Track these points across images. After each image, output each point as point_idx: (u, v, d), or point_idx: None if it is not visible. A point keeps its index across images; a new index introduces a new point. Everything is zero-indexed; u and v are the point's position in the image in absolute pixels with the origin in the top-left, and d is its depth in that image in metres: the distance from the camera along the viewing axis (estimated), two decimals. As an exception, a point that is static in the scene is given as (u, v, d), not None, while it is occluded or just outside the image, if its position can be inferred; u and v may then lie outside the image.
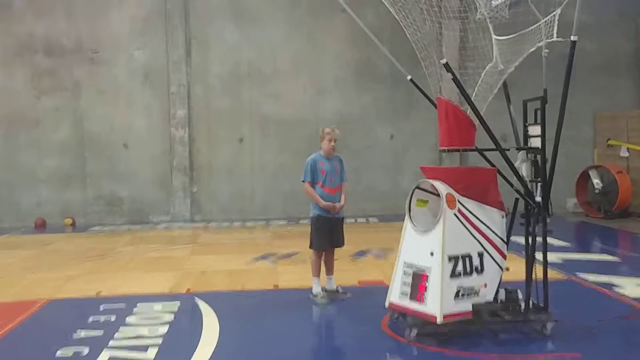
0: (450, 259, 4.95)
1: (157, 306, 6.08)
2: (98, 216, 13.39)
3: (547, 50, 5.12)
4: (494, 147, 5.26)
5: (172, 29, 13.36)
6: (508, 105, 5.80)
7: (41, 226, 12.98)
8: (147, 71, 13.45)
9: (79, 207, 13.39)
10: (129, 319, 5.66)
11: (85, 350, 4.85)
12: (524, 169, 5.36)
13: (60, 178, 13.35)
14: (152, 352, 4.79)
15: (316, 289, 6.30)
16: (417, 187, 5.28)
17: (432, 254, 5.00)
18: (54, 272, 7.98)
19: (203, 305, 6.10)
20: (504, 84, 5.92)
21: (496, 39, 5.75)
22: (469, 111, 5.27)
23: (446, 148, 5.26)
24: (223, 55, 13.63)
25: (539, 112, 5.23)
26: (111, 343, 5.04)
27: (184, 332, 5.42)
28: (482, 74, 5.67)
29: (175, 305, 6.13)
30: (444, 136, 5.27)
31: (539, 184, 5.22)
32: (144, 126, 13.51)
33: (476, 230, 5.13)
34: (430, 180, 5.15)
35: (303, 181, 6.31)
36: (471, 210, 5.13)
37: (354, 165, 13.52)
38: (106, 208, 13.49)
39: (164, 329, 5.37)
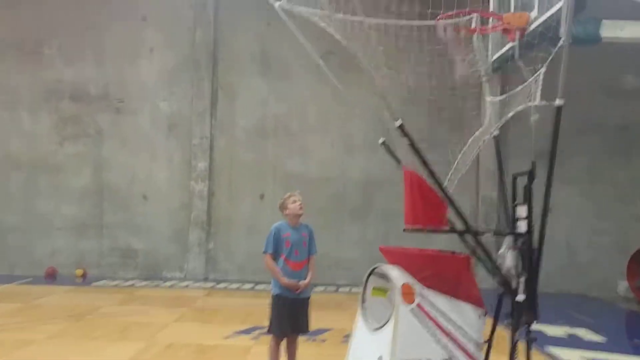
0: (401, 366, 3.95)
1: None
2: (111, 269, 12.91)
3: (537, 115, 4.18)
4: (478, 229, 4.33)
5: (199, 79, 13.03)
6: (499, 177, 4.85)
7: (51, 276, 12.59)
8: (172, 122, 13.11)
9: (93, 258, 12.96)
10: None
11: None
12: (509, 259, 4.34)
13: (76, 227, 13.02)
14: None
15: (272, 382, 5.35)
16: (372, 273, 4.34)
17: (380, 358, 4.01)
18: (18, 332, 7.38)
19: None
20: (497, 152, 4.99)
21: (491, 101, 4.87)
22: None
23: (409, 227, 4.32)
24: (249, 108, 13.15)
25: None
26: None
27: None
28: (469, 141, 4.78)
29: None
30: (407, 213, 4.33)
31: (523, 279, 4.19)
32: (164, 178, 13.09)
33: (441, 331, 4.10)
34: (387, 266, 4.20)
35: (264, 252, 5.47)
36: (436, 305, 4.12)
37: (381, 230, 12.61)
38: (120, 261, 13.01)
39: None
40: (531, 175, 4.21)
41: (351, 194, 13.21)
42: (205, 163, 12.92)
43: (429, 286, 4.10)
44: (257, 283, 11.97)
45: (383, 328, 4.06)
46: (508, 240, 4.43)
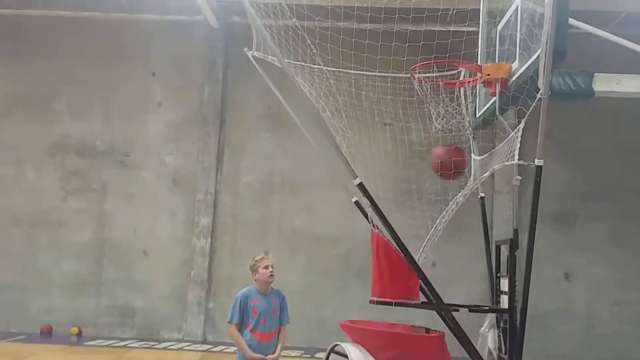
0: None
1: None
2: (108, 328, 12.45)
3: (519, 178, 3.74)
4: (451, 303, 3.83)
5: (205, 135, 12.84)
6: (485, 244, 4.36)
7: (47, 333, 12.18)
8: (176, 177, 12.88)
9: (90, 316, 12.53)
10: None
11: None
12: (490, 339, 3.81)
13: (75, 284, 12.67)
14: None
15: None
16: (333, 351, 3.83)
17: None
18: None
19: None
20: (483, 214, 4.52)
21: (475, 159, 4.43)
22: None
23: (375, 299, 3.84)
24: (255, 163, 12.86)
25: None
26: None
27: None
28: (450, 203, 4.33)
29: None
30: (374, 282, 3.88)
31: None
32: (166, 233, 12.75)
33: (411, 422, 3.56)
34: (346, 345, 3.69)
35: (228, 322, 4.99)
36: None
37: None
38: (118, 320, 12.55)
39: None
40: (513, 243, 3.72)
41: (358, 253, 12.63)
42: (209, 219, 12.58)
43: (395, 368, 3.58)
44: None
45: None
46: (491, 318, 3.93)
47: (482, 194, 4.36)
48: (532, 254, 3.49)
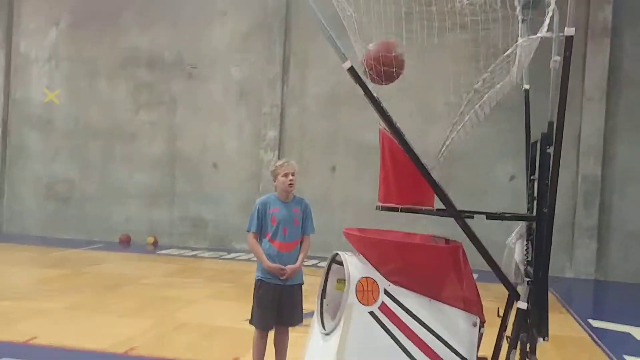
0: (350, 388, 3.04)
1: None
2: (182, 238, 12.79)
3: (557, 59, 3.06)
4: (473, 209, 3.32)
5: (271, 44, 12.39)
6: (527, 143, 3.75)
7: (125, 242, 12.70)
8: (243, 89, 12.63)
9: (165, 227, 12.90)
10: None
11: None
12: (518, 251, 3.27)
13: (149, 195, 13.01)
14: None
15: (254, 380, 4.60)
16: (334, 261, 3.42)
17: (325, 373, 3.13)
18: (42, 300, 7.21)
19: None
20: (526, 109, 3.87)
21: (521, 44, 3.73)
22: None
23: (380, 205, 3.36)
24: (322, 74, 12.31)
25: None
26: None
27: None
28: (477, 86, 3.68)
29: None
30: (380, 186, 3.39)
31: (527, 282, 3.11)
32: (234, 147, 12.67)
33: (414, 343, 3.14)
34: (344, 255, 3.27)
35: (247, 231, 4.70)
36: (408, 308, 3.15)
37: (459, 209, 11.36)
38: (190, 230, 12.85)
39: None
40: (545, 138, 3.10)
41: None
42: (275, 132, 12.34)
43: (398, 283, 3.14)
44: (322, 259, 11.25)
45: (332, 333, 3.16)
46: (521, 227, 3.36)
47: (527, 86, 3.69)
48: (560, 147, 2.87)
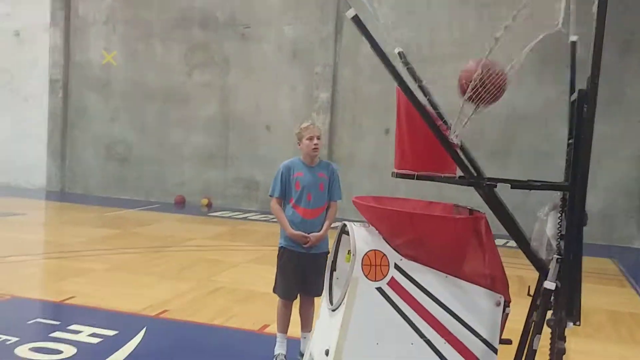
0: (353, 369, 2.81)
1: (83, 333, 4.83)
2: (234, 200, 12.82)
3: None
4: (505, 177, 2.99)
5: (324, 2, 11.99)
6: (570, 103, 3.33)
7: (180, 203, 12.85)
8: (295, 49, 12.34)
9: (218, 189, 12.96)
10: (19, 351, 4.47)
11: None
12: (550, 225, 2.91)
13: (203, 157, 13.06)
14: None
15: (278, 350, 4.44)
16: (344, 232, 3.16)
17: (326, 352, 2.91)
18: (87, 260, 7.33)
19: (130, 343, 4.70)
20: (572, 63, 3.45)
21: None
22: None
23: (395, 172, 3.06)
24: (376, 32, 11.80)
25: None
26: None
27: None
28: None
29: (108, 333, 4.85)
30: (396, 151, 3.09)
31: (557, 259, 2.76)
32: (287, 108, 12.47)
33: (428, 322, 2.87)
34: (351, 225, 3.00)
35: (270, 196, 4.50)
36: (422, 285, 2.87)
37: (523, 174, 10.79)
38: (243, 192, 12.84)
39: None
40: (583, 96, 2.71)
41: (490, 131, 11.49)
42: (328, 94, 12.03)
43: (411, 257, 2.86)
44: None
45: (338, 310, 2.93)
46: (554, 200, 3.00)
47: (574, 38, 3.26)
48: (594, 106, 2.49)
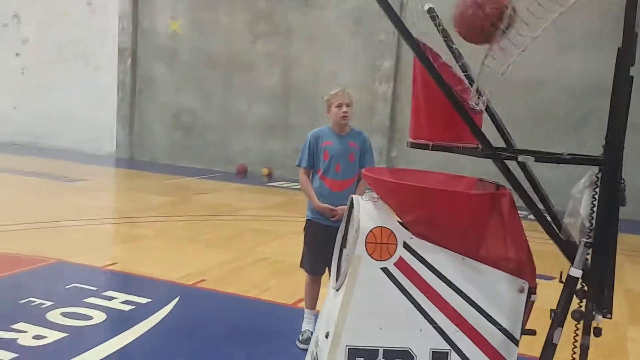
0: (351, 354, 2.59)
1: (116, 299, 4.84)
2: (294, 170, 12.65)
3: None
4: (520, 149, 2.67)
5: (389, -34, 11.50)
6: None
7: (242, 173, 12.89)
8: (358, 16, 11.96)
9: (279, 159, 12.89)
10: (50, 315, 4.50)
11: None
12: (584, 203, 2.56)
13: (265, 126, 13.00)
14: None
15: (305, 326, 4.27)
16: (353, 206, 2.91)
17: (326, 335, 2.70)
18: (138, 226, 7.42)
19: (159, 312, 4.67)
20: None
21: None
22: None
23: (409, 141, 2.78)
24: (444, -2, 11.25)
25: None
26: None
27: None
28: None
29: (141, 301, 4.84)
30: (411, 118, 2.81)
31: (585, 244, 2.41)
32: (348, 78, 12.12)
33: (439, 307, 2.60)
34: (360, 199, 2.75)
35: (297, 166, 4.30)
36: (434, 266, 2.60)
37: (600, 151, 10.08)
38: (304, 163, 12.69)
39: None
40: (627, 53, 2.33)
41: (564, 103, 10.80)
42: (391, 62, 11.63)
43: (423, 235, 2.59)
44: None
45: (340, 290, 2.71)
46: (589, 175, 2.64)
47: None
48: (627, 69, 2.12)
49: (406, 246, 2.61)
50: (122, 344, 3.99)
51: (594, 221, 2.53)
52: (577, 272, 2.41)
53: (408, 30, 2.51)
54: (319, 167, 4.16)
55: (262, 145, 13.03)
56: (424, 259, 2.61)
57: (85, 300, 4.74)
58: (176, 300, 4.89)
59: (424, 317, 2.60)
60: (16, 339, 3.94)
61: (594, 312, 2.39)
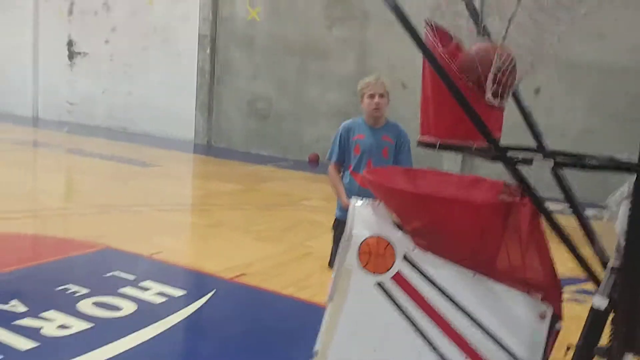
0: (338, 378, 2.30)
1: (151, 291, 4.76)
2: (368, 160, 12.36)
3: None
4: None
5: (471, -54, 10.84)
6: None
7: (314, 162, 12.67)
8: (438, -1, 11.37)
9: (353, 148, 12.58)
10: (81, 304, 4.46)
11: None
12: (621, 216, 2.13)
13: (339, 114, 12.66)
14: None
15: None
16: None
17: (315, 353, 2.42)
18: (197, 215, 7.41)
19: (189, 307, 4.54)
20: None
21: None
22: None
23: (418, 140, 2.43)
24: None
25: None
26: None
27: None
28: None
29: (175, 293, 4.74)
30: (421, 115, 2.47)
31: (611, 268, 1.99)
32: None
33: (443, 330, 2.25)
34: (357, 202, 2.43)
35: (327, 160, 4.01)
36: (439, 283, 2.25)
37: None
38: (378, 152, 12.34)
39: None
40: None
41: (627, 95, 9.81)
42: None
43: (427, 247, 2.26)
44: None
45: (331, 302, 2.42)
46: (629, 182, 2.20)
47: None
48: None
49: (407, 259, 2.28)
50: (139, 341, 3.88)
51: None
52: (602, 302, 1.99)
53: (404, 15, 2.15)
54: (349, 162, 3.85)
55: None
56: (427, 274, 2.27)
57: (121, 290, 4.70)
58: (210, 295, 4.75)
59: (424, 340, 2.27)
60: (40, 328, 3.93)
61: (623, 351, 1.97)
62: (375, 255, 2.27)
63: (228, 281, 5.13)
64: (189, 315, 4.35)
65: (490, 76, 2.20)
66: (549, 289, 2.24)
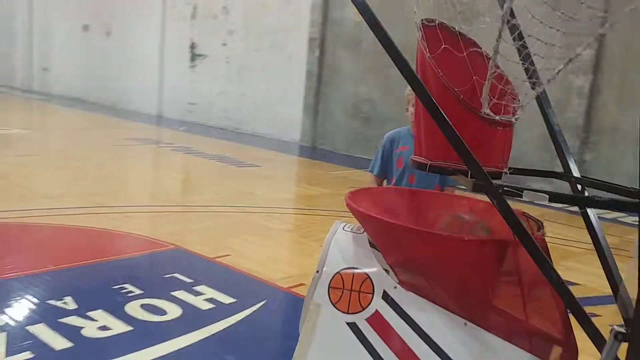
0: None
1: (203, 296, 4.70)
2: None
3: None
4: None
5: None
6: None
7: (416, 168, 12.26)
8: (556, -2, 10.52)
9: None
10: (129, 306, 4.47)
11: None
12: (630, 268, 1.68)
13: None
14: None
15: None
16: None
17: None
18: (274, 219, 7.31)
19: (235, 316, 4.41)
20: None
21: None
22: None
23: (410, 159, 2.08)
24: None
25: None
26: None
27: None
28: None
29: (226, 300, 4.64)
30: (414, 134, 2.13)
31: (617, 334, 1.54)
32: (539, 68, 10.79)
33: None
34: (338, 227, 2.13)
35: (370, 172, 3.69)
36: (425, 331, 1.90)
37: None
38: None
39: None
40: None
41: None
42: (590, 50, 10.02)
43: (411, 286, 1.93)
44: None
45: (301, 332, 2.14)
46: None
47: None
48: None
49: (386, 297, 1.96)
50: (171, 349, 3.80)
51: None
52: (621, 328, 1.56)
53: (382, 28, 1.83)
54: (392, 176, 3.51)
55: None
56: (409, 317, 1.93)
57: (174, 293, 4.67)
58: (260, 304, 4.60)
59: (401, 394, 1.93)
60: (82, 328, 3.96)
61: None
62: (350, 291, 1.97)
63: (283, 291, 4.96)
64: (229, 326, 4.22)
65: (487, 85, 1.81)
66: (557, 345, 1.82)
